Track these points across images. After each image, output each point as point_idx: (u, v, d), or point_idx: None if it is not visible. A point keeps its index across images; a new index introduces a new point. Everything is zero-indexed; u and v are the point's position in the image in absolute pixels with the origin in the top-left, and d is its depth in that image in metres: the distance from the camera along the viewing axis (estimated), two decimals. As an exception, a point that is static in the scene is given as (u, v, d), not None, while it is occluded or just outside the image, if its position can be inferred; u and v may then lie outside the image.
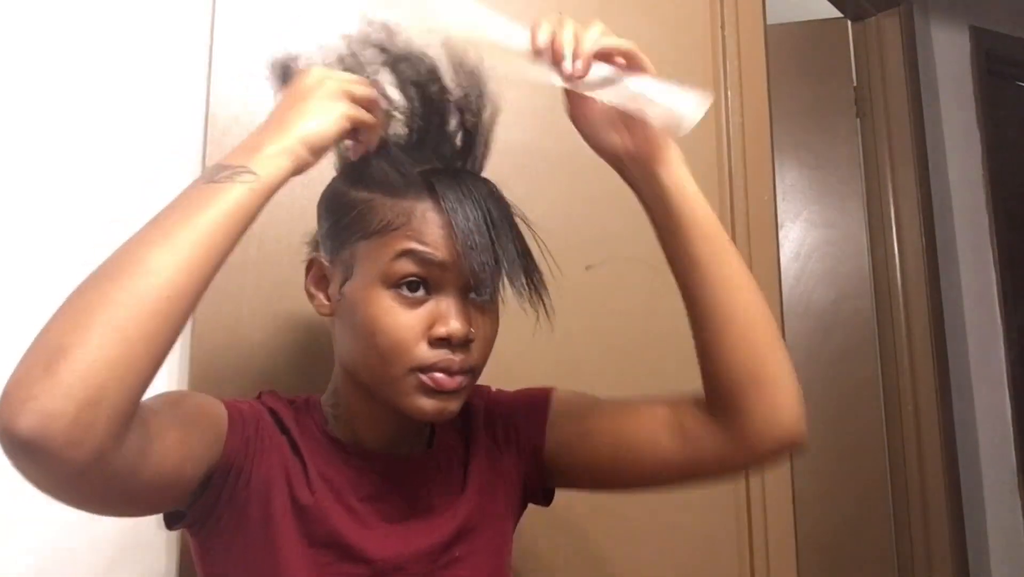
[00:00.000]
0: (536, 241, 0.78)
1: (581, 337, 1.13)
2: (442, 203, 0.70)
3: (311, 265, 0.77)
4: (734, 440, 0.73)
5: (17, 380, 0.51)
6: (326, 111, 0.67)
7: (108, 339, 0.52)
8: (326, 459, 0.74)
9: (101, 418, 0.51)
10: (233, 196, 0.60)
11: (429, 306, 0.70)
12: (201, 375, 0.91)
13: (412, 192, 0.71)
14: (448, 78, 0.76)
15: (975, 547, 2.07)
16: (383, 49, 0.76)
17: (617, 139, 0.76)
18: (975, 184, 2.33)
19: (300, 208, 0.96)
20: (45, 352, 0.52)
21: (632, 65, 0.73)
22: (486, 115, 0.77)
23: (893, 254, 2.11)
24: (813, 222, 2.17)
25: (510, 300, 0.74)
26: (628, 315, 1.16)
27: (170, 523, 0.71)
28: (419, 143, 0.76)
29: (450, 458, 0.80)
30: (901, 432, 2.04)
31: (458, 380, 0.71)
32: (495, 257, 0.71)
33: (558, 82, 0.71)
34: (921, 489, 2.00)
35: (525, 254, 0.74)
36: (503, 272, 0.72)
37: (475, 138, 0.78)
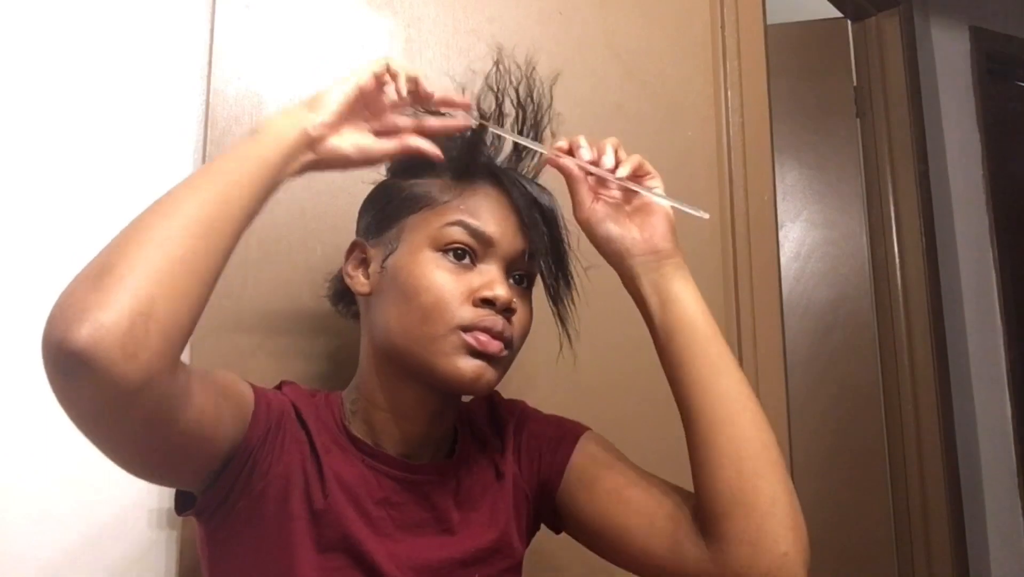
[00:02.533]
0: (575, 257, 0.82)
1: (581, 337, 1.13)
2: (501, 181, 0.75)
3: (352, 249, 0.79)
4: (717, 564, 0.68)
5: (67, 297, 0.53)
6: (337, 83, 0.70)
7: (151, 255, 0.55)
8: (343, 458, 0.72)
9: (153, 333, 0.52)
10: (241, 146, 0.66)
11: (474, 273, 0.72)
12: (201, 375, 0.91)
13: (465, 176, 0.76)
14: (518, 91, 0.80)
15: (975, 547, 2.07)
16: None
17: (625, 232, 0.77)
18: (975, 184, 2.33)
19: (300, 208, 0.96)
20: (93, 271, 0.54)
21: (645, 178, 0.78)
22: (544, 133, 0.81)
23: (893, 254, 2.11)
24: (813, 222, 2.16)
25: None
26: (628, 315, 1.16)
27: (180, 508, 0.71)
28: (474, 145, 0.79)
29: (473, 473, 0.78)
30: (901, 432, 2.04)
31: (498, 345, 0.71)
32: (544, 240, 0.76)
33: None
34: (921, 489, 2.00)
35: (564, 251, 0.79)
36: (549, 258, 0.77)
37: (525, 153, 0.81)
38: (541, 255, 0.77)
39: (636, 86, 1.24)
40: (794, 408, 1.33)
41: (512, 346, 0.73)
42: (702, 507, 0.70)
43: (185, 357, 0.92)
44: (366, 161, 0.72)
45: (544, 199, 0.78)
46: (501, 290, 0.71)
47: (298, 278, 0.95)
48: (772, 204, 1.32)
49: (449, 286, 0.71)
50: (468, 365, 0.70)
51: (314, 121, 0.68)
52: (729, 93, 1.32)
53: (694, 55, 1.30)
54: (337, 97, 0.69)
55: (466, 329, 0.70)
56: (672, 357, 0.74)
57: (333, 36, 1.04)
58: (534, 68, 0.81)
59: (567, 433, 0.82)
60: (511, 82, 0.80)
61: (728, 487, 0.68)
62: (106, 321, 0.51)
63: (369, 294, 0.76)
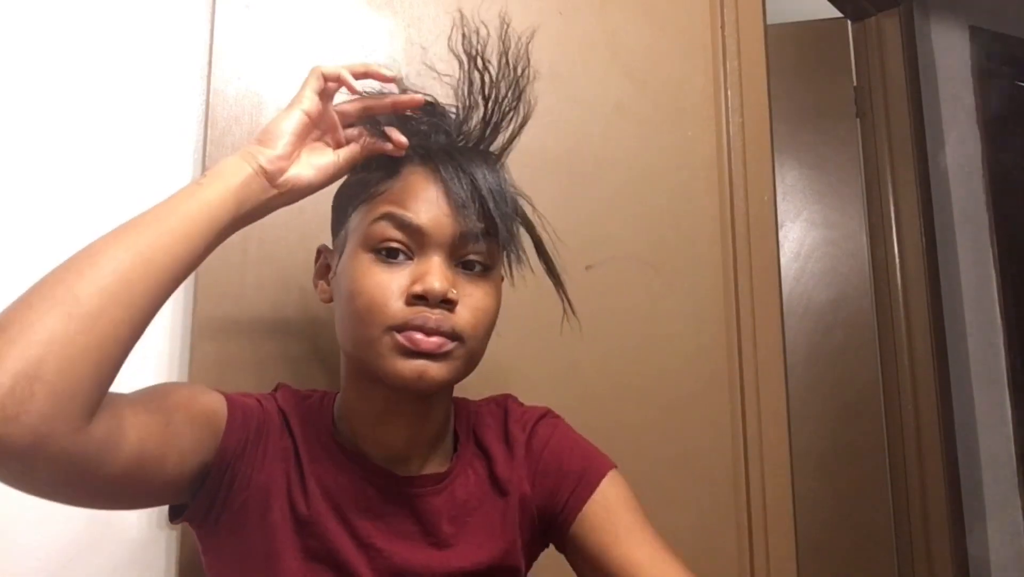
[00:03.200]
0: (545, 229, 0.77)
1: (581, 337, 1.13)
2: (433, 165, 0.70)
3: (318, 256, 0.78)
4: None
5: None
6: (283, 113, 0.69)
7: (48, 315, 0.52)
8: (329, 466, 0.71)
9: (39, 394, 0.50)
10: (180, 192, 0.62)
11: (410, 269, 0.68)
12: (201, 374, 0.91)
13: (403, 161, 0.72)
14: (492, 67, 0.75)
15: (975, 547, 2.07)
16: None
17: None
18: (975, 184, 2.33)
19: (300, 208, 0.96)
20: None
21: None
22: (515, 114, 0.76)
23: (893, 254, 2.11)
24: (813, 222, 2.16)
25: (521, 304, 0.74)
26: (628, 315, 1.16)
27: (172, 516, 0.71)
28: (438, 123, 0.75)
29: (473, 486, 0.75)
30: (901, 432, 2.03)
31: (436, 340, 0.67)
32: (485, 222, 0.70)
33: None
34: (921, 489, 2.00)
35: (510, 229, 0.73)
36: (499, 242, 0.71)
37: (494, 130, 0.76)
38: (479, 236, 0.70)
39: (636, 86, 1.24)
40: (794, 408, 1.33)
41: (462, 337, 0.68)
42: None
43: (184, 358, 0.92)
44: (332, 178, 0.71)
45: (481, 174, 0.71)
46: (433, 281, 0.66)
47: (298, 278, 0.95)
48: (772, 204, 1.32)
49: (381, 287, 0.67)
50: (406, 366, 0.66)
51: (268, 155, 0.66)
52: (729, 93, 1.32)
53: (694, 55, 1.30)
54: (286, 127, 0.67)
55: (398, 329, 0.66)
56: None
57: (333, 36, 1.04)
58: (508, 26, 0.75)
59: (590, 470, 0.77)
60: (479, 48, 0.75)
61: None
62: None
63: (329, 302, 0.75)
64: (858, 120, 2.19)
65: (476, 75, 0.74)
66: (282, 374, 0.94)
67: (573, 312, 0.78)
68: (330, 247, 0.77)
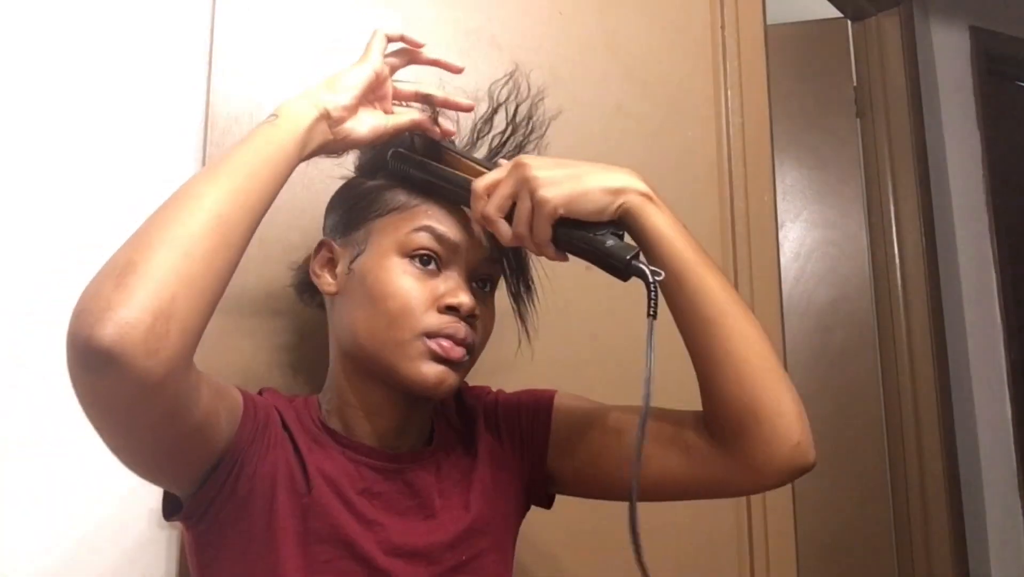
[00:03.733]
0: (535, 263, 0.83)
1: (581, 337, 1.13)
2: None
3: (320, 248, 0.79)
4: (737, 465, 0.72)
5: (91, 294, 0.54)
6: (355, 67, 0.74)
7: (172, 254, 0.56)
8: (324, 454, 0.74)
9: (173, 331, 0.54)
10: (260, 132, 0.67)
11: (439, 280, 0.74)
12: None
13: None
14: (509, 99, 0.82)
15: (975, 547, 2.07)
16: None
17: None
18: (975, 184, 2.33)
19: (300, 208, 0.96)
20: (116, 269, 0.55)
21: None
22: (527, 146, 0.82)
23: (893, 254, 2.11)
24: (813, 222, 2.16)
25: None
26: (628, 315, 1.16)
27: (167, 513, 0.71)
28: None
29: (451, 458, 0.80)
30: (901, 432, 2.03)
31: (461, 351, 0.72)
32: (500, 251, 0.77)
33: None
34: (921, 489, 2.00)
35: (525, 257, 0.81)
36: (511, 266, 0.79)
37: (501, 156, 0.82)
38: (503, 261, 0.79)
39: (636, 86, 1.24)
40: (794, 408, 1.33)
41: (473, 351, 0.75)
42: (712, 418, 0.74)
43: (185, 357, 0.92)
44: (379, 139, 0.75)
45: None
46: (465, 297, 0.72)
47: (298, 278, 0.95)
48: (772, 204, 1.32)
49: (415, 292, 0.72)
50: (431, 370, 0.71)
51: (336, 103, 0.71)
52: (729, 93, 1.32)
53: (694, 55, 1.30)
54: (356, 81, 0.72)
55: (430, 335, 0.71)
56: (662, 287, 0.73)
57: (333, 36, 1.04)
58: (543, 97, 0.82)
59: (540, 399, 0.84)
60: (515, 98, 0.81)
61: (736, 400, 0.71)
62: (130, 319, 0.52)
63: (336, 294, 0.77)
64: (858, 120, 2.19)
65: (500, 119, 0.81)
66: (281, 374, 0.94)
67: (528, 338, 0.85)
68: (331, 242, 0.79)
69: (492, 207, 0.71)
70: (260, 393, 0.78)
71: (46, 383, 0.87)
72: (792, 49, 2.16)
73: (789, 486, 1.25)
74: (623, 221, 0.73)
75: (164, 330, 0.54)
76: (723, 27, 1.34)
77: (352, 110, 0.72)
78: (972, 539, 2.05)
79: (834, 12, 2.20)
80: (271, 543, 0.69)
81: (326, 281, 0.78)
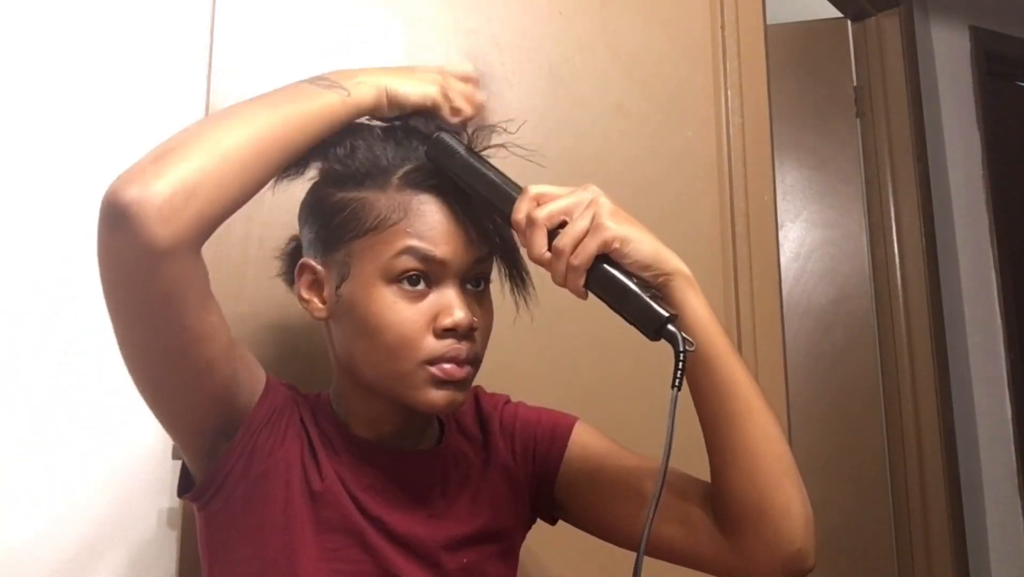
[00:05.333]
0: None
1: (580, 336, 1.13)
2: (439, 194, 0.72)
3: (302, 270, 0.75)
4: (734, 554, 0.72)
5: (131, 166, 0.60)
6: (419, 82, 0.75)
7: (211, 150, 0.63)
8: (332, 449, 0.74)
9: (191, 208, 0.59)
10: (324, 99, 0.71)
11: (431, 299, 0.71)
12: (201, 375, 0.91)
13: (404, 186, 0.72)
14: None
15: (975, 547, 2.07)
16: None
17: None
18: (975, 184, 2.33)
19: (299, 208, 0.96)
20: (158, 149, 0.62)
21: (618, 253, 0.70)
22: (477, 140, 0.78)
23: (893, 254, 2.11)
24: (813, 222, 2.16)
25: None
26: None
27: (181, 489, 0.73)
28: (403, 141, 0.76)
29: (460, 462, 0.80)
30: (901, 431, 2.03)
31: (466, 370, 0.71)
32: (490, 244, 0.75)
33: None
34: (921, 489, 2.00)
35: (516, 249, 0.77)
36: (505, 258, 0.76)
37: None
38: (486, 257, 0.75)
39: (636, 86, 1.24)
40: (794, 408, 1.33)
41: (478, 362, 0.74)
42: (719, 505, 0.73)
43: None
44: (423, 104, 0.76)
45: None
46: (461, 314, 0.70)
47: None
48: (772, 204, 1.32)
49: (409, 321, 0.70)
50: (438, 395, 0.71)
51: (400, 99, 0.73)
52: (729, 93, 1.32)
53: (694, 55, 1.30)
54: (417, 97, 0.74)
55: (432, 362, 0.70)
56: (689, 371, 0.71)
57: (333, 36, 1.04)
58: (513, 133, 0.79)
59: (559, 425, 0.83)
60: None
61: (745, 495, 0.71)
62: (153, 186, 0.58)
63: (328, 318, 0.75)
64: (858, 120, 2.18)
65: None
66: (282, 373, 0.94)
67: (527, 304, 0.81)
68: (313, 263, 0.75)
69: (544, 213, 0.69)
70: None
71: (46, 383, 0.87)
72: (792, 49, 2.16)
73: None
74: (662, 290, 0.71)
75: (181, 204, 0.59)
76: (723, 27, 1.33)
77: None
78: (972, 539, 2.05)
79: (834, 12, 2.20)
80: (288, 528, 0.69)
81: (316, 307, 0.75)
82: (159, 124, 0.98)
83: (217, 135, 0.64)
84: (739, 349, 1.23)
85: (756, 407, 0.72)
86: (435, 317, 0.70)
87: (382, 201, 0.72)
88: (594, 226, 0.68)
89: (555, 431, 0.83)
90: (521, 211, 0.69)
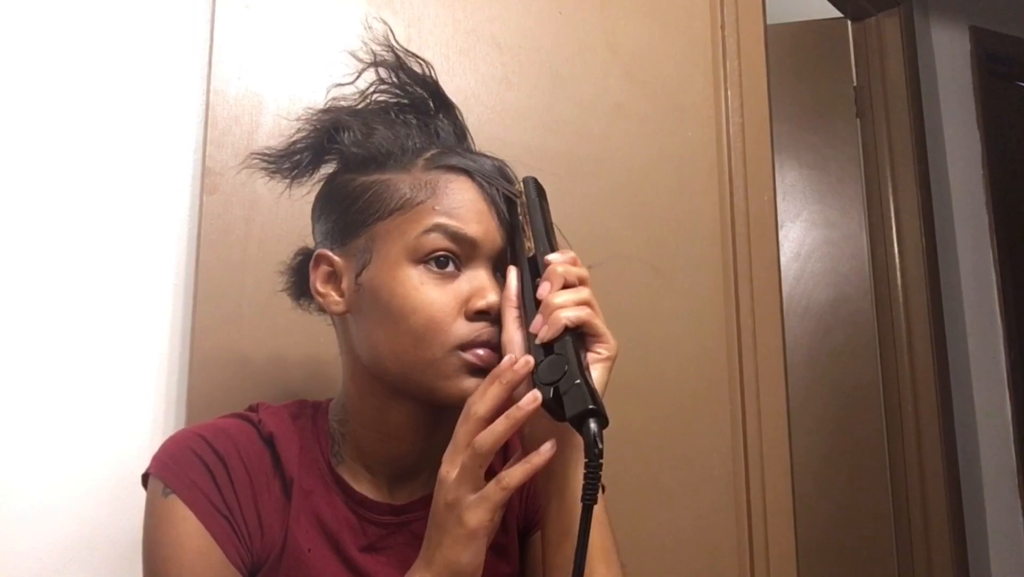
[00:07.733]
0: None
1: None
2: (472, 174, 0.67)
3: (318, 262, 0.70)
4: None
5: None
6: (470, 552, 0.61)
7: None
8: (327, 500, 0.69)
9: None
10: None
11: (462, 281, 0.66)
12: (201, 373, 0.91)
13: (431, 167, 0.68)
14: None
15: (975, 547, 2.07)
16: (391, 48, 0.74)
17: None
18: (975, 184, 2.33)
19: (300, 208, 0.96)
20: None
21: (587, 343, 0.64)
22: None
23: (893, 254, 2.11)
24: (813, 222, 2.16)
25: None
26: (628, 315, 1.16)
27: None
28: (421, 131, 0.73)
29: None
30: (901, 432, 2.04)
31: (496, 355, 0.65)
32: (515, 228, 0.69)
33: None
34: (921, 489, 2.00)
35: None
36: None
37: (467, 133, 0.76)
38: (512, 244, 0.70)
39: (636, 86, 1.24)
40: (794, 408, 1.33)
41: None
42: None
43: (184, 357, 0.92)
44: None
45: (514, 189, 0.70)
46: (494, 297, 0.65)
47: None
48: (772, 204, 1.32)
49: (439, 303, 0.64)
50: (471, 384, 0.64)
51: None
52: (729, 93, 1.32)
53: (694, 55, 1.30)
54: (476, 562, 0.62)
55: (464, 347, 0.64)
56: (564, 554, 0.64)
57: (333, 36, 1.04)
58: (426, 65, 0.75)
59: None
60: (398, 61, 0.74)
61: None
62: None
63: (346, 312, 0.69)
64: (858, 120, 2.19)
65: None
66: (281, 374, 0.94)
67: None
68: (330, 253, 0.70)
69: (566, 265, 0.65)
70: (255, 409, 0.73)
71: (46, 383, 0.87)
72: (792, 49, 2.17)
73: (789, 485, 1.26)
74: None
75: None
76: (723, 27, 1.33)
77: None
78: (972, 539, 2.05)
79: (834, 12, 2.20)
80: None
81: (333, 300, 0.69)
82: (159, 124, 0.98)
83: None
84: (739, 349, 1.23)
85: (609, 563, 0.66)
86: (467, 300, 0.65)
87: (407, 181, 0.67)
88: (592, 301, 0.64)
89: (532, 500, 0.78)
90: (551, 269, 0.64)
